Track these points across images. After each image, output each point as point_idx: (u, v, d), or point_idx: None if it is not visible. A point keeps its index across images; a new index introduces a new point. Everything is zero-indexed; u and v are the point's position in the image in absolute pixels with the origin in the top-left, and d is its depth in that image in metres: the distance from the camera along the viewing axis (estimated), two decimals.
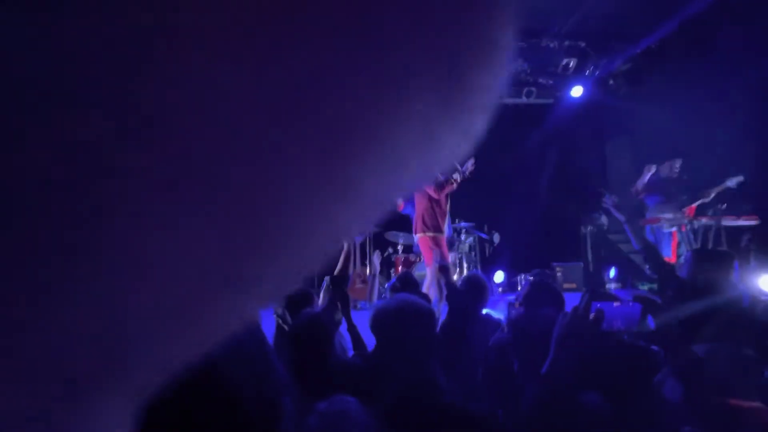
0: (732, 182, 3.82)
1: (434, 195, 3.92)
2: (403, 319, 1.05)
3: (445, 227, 4.06)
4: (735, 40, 4.43)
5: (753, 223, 3.85)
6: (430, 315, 1.07)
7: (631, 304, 1.24)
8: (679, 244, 4.06)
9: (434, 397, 0.99)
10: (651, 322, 1.36)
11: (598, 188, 6.87)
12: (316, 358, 1.31)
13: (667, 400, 1.13)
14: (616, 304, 1.24)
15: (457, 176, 3.92)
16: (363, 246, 5.60)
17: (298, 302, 2.04)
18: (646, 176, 4.32)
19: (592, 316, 1.10)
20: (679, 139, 4.55)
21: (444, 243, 4.02)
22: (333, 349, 1.65)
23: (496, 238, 6.14)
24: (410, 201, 5.57)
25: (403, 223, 5.72)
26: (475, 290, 2.25)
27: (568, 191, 6.79)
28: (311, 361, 1.17)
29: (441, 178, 3.82)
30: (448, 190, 3.98)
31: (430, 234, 3.89)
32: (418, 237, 3.99)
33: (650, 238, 4.25)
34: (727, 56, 4.55)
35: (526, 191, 7.03)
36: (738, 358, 1.19)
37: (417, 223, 3.97)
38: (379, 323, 1.08)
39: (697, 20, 4.69)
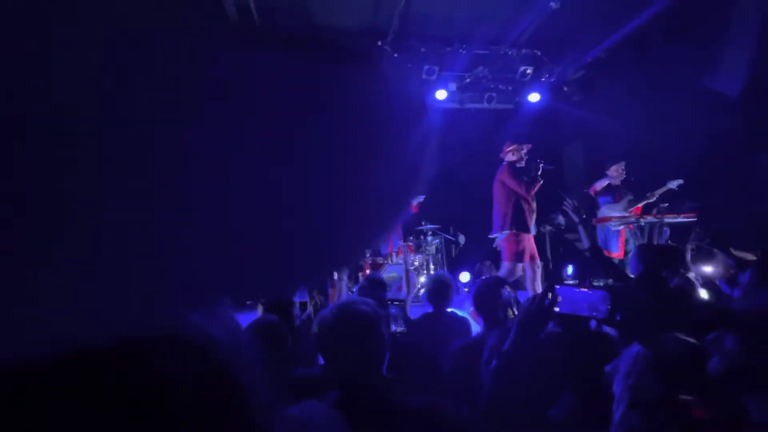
0: (673, 184, 4.16)
1: (524, 194, 3.93)
2: (342, 328, 1.02)
3: (532, 226, 4.12)
4: (674, 53, 4.82)
5: (691, 219, 4.21)
6: (373, 315, 1.04)
7: (594, 292, 1.32)
8: (626, 241, 4.35)
9: (386, 398, 0.99)
10: (617, 312, 1.45)
11: (556, 190, 7.21)
12: (272, 364, 1.28)
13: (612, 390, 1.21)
14: (582, 290, 1.32)
15: (540, 174, 4.00)
16: None
17: (277, 308, 2.01)
18: (605, 181, 4.59)
19: (549, 301, 1.18)
20: (627, 144, 4.88)
21: (532, 242, 4.09)
22: (289, 357, 1.63)
23: (462, 239, 6.28)
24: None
25: None
26: (441, 289, 2.30)
27: None
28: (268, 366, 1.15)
29: (527, 177, 3.95)
30: (536, 188, 4.04)
31: (516, 232, 3.99)
32: (504, 234, 4.00)
33: (601, 235, 4.52)
34: (667, 68, 4.94)
35: (489, 193, 7.26)
36: (683, 349, 1.29)
37: (503, 221, 3.99)
38: (319, 337, 1.06)
39: (640, 33, 5.07)
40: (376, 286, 2.39)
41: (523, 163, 4.25)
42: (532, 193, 4.13)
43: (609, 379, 1.24)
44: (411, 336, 2.29)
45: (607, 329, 1.54)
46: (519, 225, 4.05)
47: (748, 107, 4.13)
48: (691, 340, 1.31)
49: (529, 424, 1.17)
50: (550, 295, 1.22)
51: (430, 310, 2.34)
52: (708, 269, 2.46)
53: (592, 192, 4.72)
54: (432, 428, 0.94)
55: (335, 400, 0.94)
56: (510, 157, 4.26)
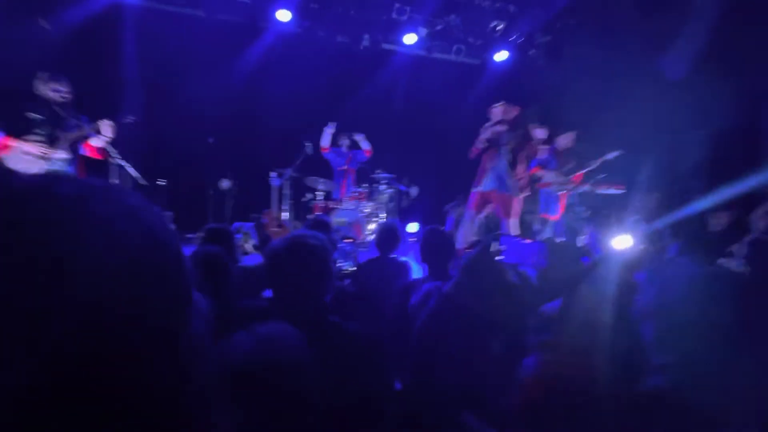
0: (611, 155, 4.44)
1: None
2: (292, 254, 1.05)
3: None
4: (635, 28, 4.93)
5: (620, 191, 4.59)
6: (321, 249, 1.08)
7: (533, 243, 1.43)
8: (570, 205, 4.69)
9: (331, 325, 1.03)
10: (543, 260, 1.58)
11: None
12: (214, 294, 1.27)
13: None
14: (525, 241, 1.42)
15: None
16: (280, 190, 5.40)
17: (217, 236, 1.95)
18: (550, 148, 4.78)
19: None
20: (580, 114, 5.07)
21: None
22: (231, 291, 1.62)
23: (414, 191, 6.38)
24: (336, 148, 5.44)
25: (322, 169, 5.61)
26: (389, 237, 2.35)
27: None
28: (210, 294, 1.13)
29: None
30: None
31: None
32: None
33: (542, 199, 4.81)
34: (628, 42, 5.06)
35: (447, 148, 7.33)
36: None
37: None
38: (270, 260, 1.08)
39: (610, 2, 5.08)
40: (321, 227, 2.39)
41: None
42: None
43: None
44: (356, 275, 2.36)
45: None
46: None
47: (691, 91, 4.41)
48: None
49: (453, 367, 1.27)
50: (495, 245, 1.30)
51: (376, 254, 2.41)
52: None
53: (531, 171, 4.89)
54: (366, 351, 1.01)
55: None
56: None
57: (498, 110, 4.28)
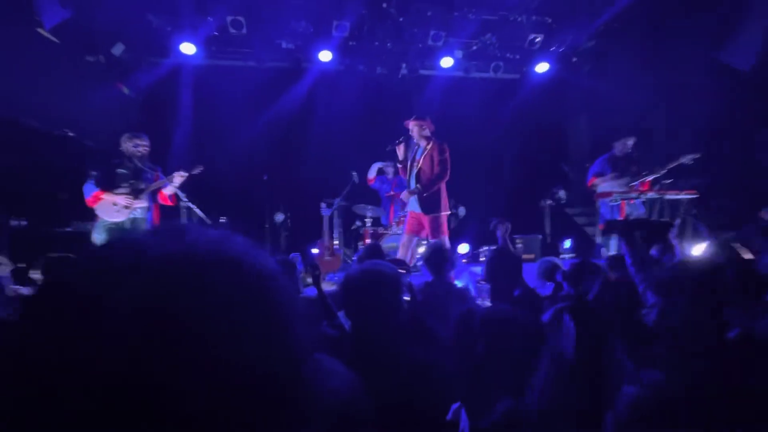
0: (687, 159, 4.08)
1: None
2: (369, 283, 1.08)
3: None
4: (687, 24, 4.63)
5: (693, 197, 4.19)
6: (395, 279, 1.10)
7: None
8: (628, 216, 4.35)
9: (404, 354, 1.04)
10: None
11: (558, 164, 7.15)
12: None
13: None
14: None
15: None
16: (331, 219, 5.57)
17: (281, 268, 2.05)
18: (606, 157, 4.53)
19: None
20: (635, 118, 4.78)
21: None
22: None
23: (462, 211, 6.29)
24: (381, 176, 5.56)
25: (370, 197, 5.74)
26: (439, 258, 2.32)
27: (530, 166, 7.03)
28: None
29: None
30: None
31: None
32: (445, 215, 4.08)
33: (603, 210, 4.52)
34: (679, 40, 4.76)
35: (492, 166, 7.20)
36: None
37: (444, 201, 4.04)
38: (346, 288, 1.12)
39: (654, 1, 4.84)
40: (375, 255, 2.42)
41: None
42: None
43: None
44: (412, 300, 2.35)
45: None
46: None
47: (761, 83, 4.02)
48: None
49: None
50: None
51: (429, 278, 2.38)
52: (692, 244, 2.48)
53: (589, 182, 4.62)
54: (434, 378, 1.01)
55: (350, 357, 0.99)
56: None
57: (408, 124, 4.08)
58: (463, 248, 5.21)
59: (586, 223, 6.37)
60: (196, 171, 3.60)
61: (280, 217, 6.15)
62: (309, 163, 6.46)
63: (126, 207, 3.37)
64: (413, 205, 4.08)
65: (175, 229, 0.31)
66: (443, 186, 4.06)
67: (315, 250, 5.51)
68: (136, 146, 3.46)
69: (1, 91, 3.66)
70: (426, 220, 4.02)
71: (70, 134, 4.51)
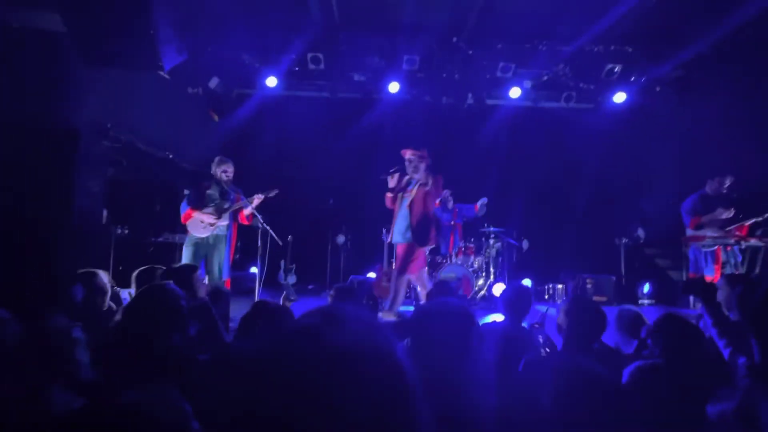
0: None
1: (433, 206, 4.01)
2: (441, 318, 1.11)
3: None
4: None
5: None
6: (468, 317, 1.13)
7: None
8: (724, 264, 3.86)
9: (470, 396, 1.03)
10: None
11: (637, 200, 6.60)
12: None
13: None
14: None
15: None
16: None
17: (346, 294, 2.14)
18: (697, 197, 4.09)
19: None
20: (730, 157, 4.31)
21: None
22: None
23: (525, 244, 6.04)
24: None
25: None
26: (521, 301, 2.21)
27: (605, 200, 6.58)
28: None
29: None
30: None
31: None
32: (427, 249, 3.99)
33: (691, 255, 4.07)
34: None
35: (560, 198, 6.86)
36: None
37: (433, 233, 3.97)
38: (418, 321, 1.15)
39: (754, 22, 4.41)
40: (444, 293, 2.39)
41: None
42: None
43: None
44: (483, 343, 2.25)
45: None
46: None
47: None
48: None
49: None
50: None
51: (502, 317, 2.25)
52: None
53: (691, 223, 4.11)
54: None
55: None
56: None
57: (405, 153, 3.93)
58: (526, 284, 4.97)
59: (668, 266, 5.76)
60: (272, 194, 3.92)
61: (341, 239, 6.39)
62: (373, 189, 6.68)
63: (210, 225, 3.76)
64: (397, 237, 3.99)
65: (334, 316, 0.40)
66: (433, 219, 4.00)
67: (371, 274, 5.60)
68: (224, 171, 3.88)
69: (123, 119, 4.34)
70: (402, 248, 3.92)
71: (170, 156, 5.16)
